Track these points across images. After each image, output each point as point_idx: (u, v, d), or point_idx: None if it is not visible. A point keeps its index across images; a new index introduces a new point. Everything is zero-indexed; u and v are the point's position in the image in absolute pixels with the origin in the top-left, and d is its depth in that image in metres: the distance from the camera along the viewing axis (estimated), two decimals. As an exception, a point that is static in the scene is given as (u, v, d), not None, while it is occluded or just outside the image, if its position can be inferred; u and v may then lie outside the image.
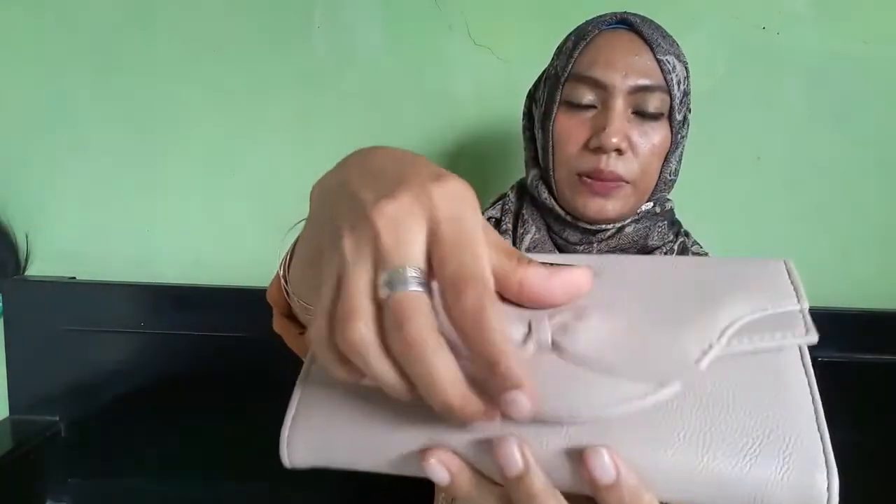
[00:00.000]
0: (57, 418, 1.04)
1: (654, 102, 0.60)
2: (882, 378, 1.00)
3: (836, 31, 1.00)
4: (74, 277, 1.05)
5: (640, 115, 0.60)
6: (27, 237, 1.06)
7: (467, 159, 1.04)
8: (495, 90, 1.02)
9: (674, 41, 0.62)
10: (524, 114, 0.73)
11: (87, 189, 1.06)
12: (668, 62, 0.60)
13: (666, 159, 0.63)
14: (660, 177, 0.64)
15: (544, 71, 0.70)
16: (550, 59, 0.69)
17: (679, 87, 0.61)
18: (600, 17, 0.64)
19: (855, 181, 1.04)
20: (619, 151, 0.59)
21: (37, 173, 1.06)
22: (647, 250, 0.67)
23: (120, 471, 1.06)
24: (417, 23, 1.01)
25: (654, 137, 0.61)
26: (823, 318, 1.09)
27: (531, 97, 0.72)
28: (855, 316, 1.01)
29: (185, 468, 1.06)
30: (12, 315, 1.02)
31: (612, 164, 0.59)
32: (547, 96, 0.65)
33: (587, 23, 0.65)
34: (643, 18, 0.62)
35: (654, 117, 0.60)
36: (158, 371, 1.03)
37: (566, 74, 0.61)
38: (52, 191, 1.06)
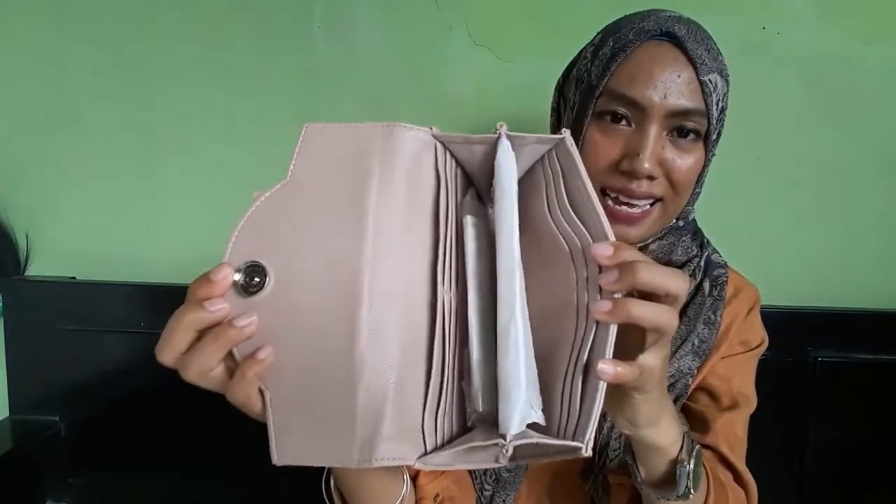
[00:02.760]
0: (57, 418, 1.04)
1: (691, 125, 0.57)
2: (882, 378, 1.00)
3: (836, 31, 1.00)
4: (74, 277, 1.05)
5: (677, 136, 0.58)
6: (27, 237, 1.06)
7: (467, 159, 1.04)
8: (495, 90, 1.02)
9: (718, 53, 0.59)
10: (553, 109, 0.69)
11: (87, 189, 1.06)
12: (711, 82, 0.56)
13: (700, 176, 0.61)
14: (690, 194, 0.62)
15: (572, 63, 0.66)
16: (580, 53, 0.65)
17: (717, 106, 0.58)
18: (641, 20, 0.58)
19: (855, 181, 1.04)
20: (651, 178, 0.57)
21: (37, 173, 1.06)
22: (671, 266, 0.64)
23: (120, 471, 1.06)
24: (417, 23, 1.01)
25: (688, 159, 0.58)
26: (823, 318, 1.10)
27: (560, 92, 0.68)
28: (855, 316, 1.01)
29: (185, 468, 1.06)
30: (12, 315, 1.02)
31: (645, 185, 0.57)
32: (579, 104, 0.61)
33: (626, 26, 0.59)
34: (689, 28, 0.57)
35: (690, 139, 0.58)
36: (158, 371, 1.02)
37: (601, 87, 0.57)
38: (52, 191, 1.06)
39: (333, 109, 1.03)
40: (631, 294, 0.37)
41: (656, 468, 0.50)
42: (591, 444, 0.34)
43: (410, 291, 0.37)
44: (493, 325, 0.38)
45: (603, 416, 0.62)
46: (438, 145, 0.40)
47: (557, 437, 0.35)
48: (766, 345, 0.70)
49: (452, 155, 0.42)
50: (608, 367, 0.36)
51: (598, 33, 0.63)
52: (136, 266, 1.07)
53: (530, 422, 0.35)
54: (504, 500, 0.65)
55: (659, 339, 0.38)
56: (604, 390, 0.35)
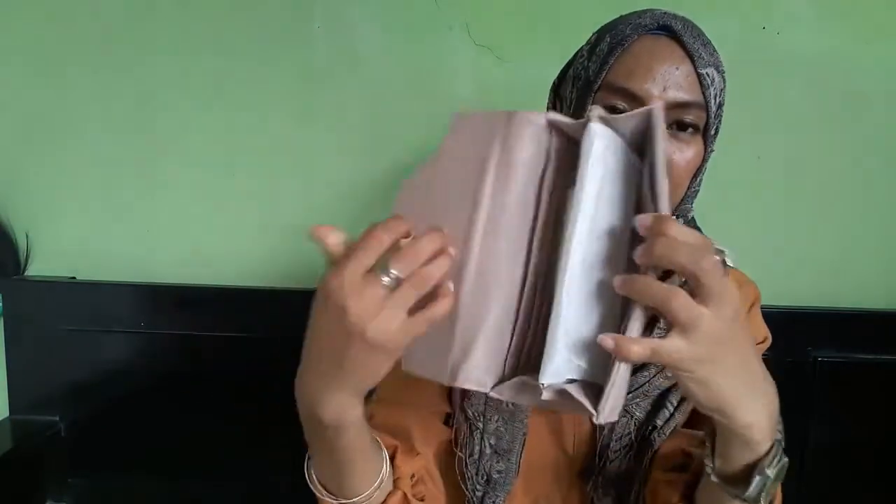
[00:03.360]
0: (57, 418, 1.04)
1: (690, 118, 0.56)
2: (882, 378, 1.00)
3: (836, 31, 1.00)
4: (74, 277, 1.05)
5: (676, 129, 0.57)
6: (27, 237, 1.06)
7: (467, 159, 1.04)
8: (495, 90, 1.02)
9: (714, 49, 0.58)
10: (548, 109, 0.68)
11: (87, 189, 1.06)
12: (709, 75, 0.56)
13: (695, 174, 0.61)
14: (687, 190, 0.61)
15: (568, 64, 0.66)
16: (576, 53, 0.65)
17: (716, 100, 0.58)
18: (638, 17, 0.58)
19: (855, 181, 1.04)
20: None
21: (37, 173, 1.06)
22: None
23: (120, 471, 1.06)
24: (417, 23, 1.01)
25: (687, 153, 0.57)
26: (823, 318, 1.09)
27: (555, 92, 0.67)
28: (855, 316, 1.01)
29: (185, 468, 1.06)
30: (12, 315, 1.02)
31: None
32: (576, 101, 0.60)
33: (623, 23, 0.59)
34: (685, 23, 0.57)
35: (689, 133, 0.57)
36: (158, 371, 1.03)
37: (599, 82, 0.57)
38: (52, 191, 1.06)
39: (334, 109, 1.03)
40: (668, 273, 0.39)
41: (734, 462, 0.48)
42: (605, 414, 0.38)
43: (510, 254, 0.43)
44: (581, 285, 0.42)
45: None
46: (553, 128, 0.44)
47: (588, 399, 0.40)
48: (769, 342, 0.69)
49: (567, 137, 0.44)
50: (607, 340, 0.38)
51: (594, 33, 0.63)
52: (136, 266, 1.07)
53: (571, 377, 0.41)
54: (494, 501, 0.64)
55: (680, 324, 0.37)
56: (620, 365, 0.38)
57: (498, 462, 0.64)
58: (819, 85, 1.01)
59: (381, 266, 0.39)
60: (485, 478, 0.64)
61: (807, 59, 1.00)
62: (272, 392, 1.02)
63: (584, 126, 0.41)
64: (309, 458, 0.54)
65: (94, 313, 1.02)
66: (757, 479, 0.47)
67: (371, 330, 0.38)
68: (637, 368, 0.61)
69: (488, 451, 0.63)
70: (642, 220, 0.39)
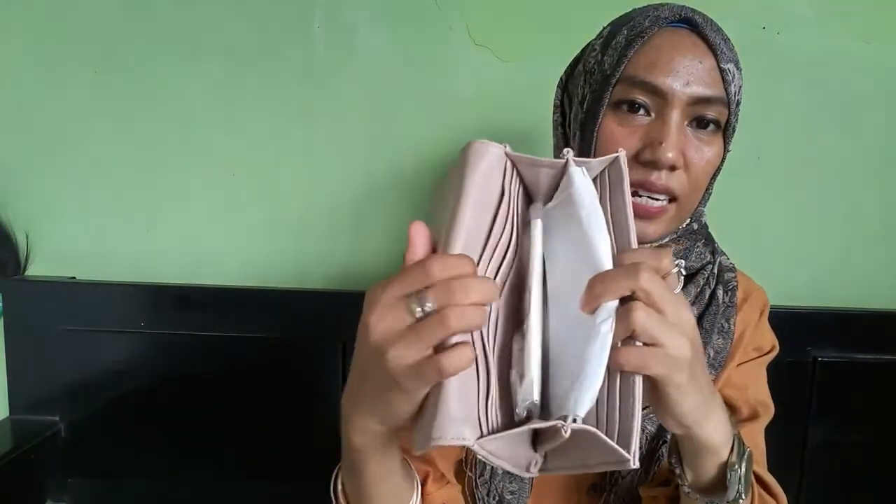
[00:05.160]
0: (57, 418, 1.04)
1: (712, 114, 0.55)
2: (882, 378, 1.00)
3: (836, 31, 1.00)
4: (74, 277, 1.05)
5: (696, 127, 0.55)
6: (27, 237, 1.06)
7: (467, 159, 1.04)
8: (495, 90, 1.02)
9: (733, 46, 0.56)
10: (556, 106, 0.67)
11: (87, 189, 1.06)
12: (730, 71, 0.54)
13: (713, 174, 0.60)
14: (703, 193, 0.60)
15: (577, 60, 0.64)
16: (585, 48, 0.63)
17: (735, 97, 0.56)
18: (655, 9, 0.56)
19: (855, 181, 1.04)
20: (673, 168, 0.54)
21: (37, 173, 1.06)
22: (686, 271, 0.63)
23: (120, 471, 1.06)
24: (417, 23, 1.01)
25: (708, 153, 0.56)
26: (823, 318, 1.09)
27: (564, 88, 0.65)
28: (855, 316, 1.01)
29: (185, 468, 1.06)
30: (12, 315, 1.02)
31: (665, 178, 0.54)
32: (591, 95, 0.57)
33: (640, 15, 0.56)
34: (704, 17, 0.55)
35: (710, 130, 0.56)
36: (158, 371, 1.03)
37: (618, 75, 0.54)
38: (52, 191, 1.06)
39: (334, 110, 1.03)
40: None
41: (705, 472, 0.48)
42: (637, 456, 0.34)
43: None
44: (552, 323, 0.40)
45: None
46: (508, 163, 0.43)
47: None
48: (776, 351, 0.68)
49: (518, 174, 0.44)
50: (620, 354, 0.36)
51: (605, 27, 0.61)
52: (136, 266, 1.07)
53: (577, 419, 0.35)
54: None
55: (652, 336, 0.37)
56: (640, 387, 0.35)
57: (511, 482, 0.62)
58: (819, 85, 1.01)
59: (418, 295, 0.35)
60: (497, 499, 0.62)
61: (807, 59, 1.00)
62: (272, 392, 1.02)
63: (565, 166, 0.42)
64: (339, 470, 0.51)
65: (94, 313, 1.02)
66: (731, 478, 0.47)
67: (389, 356, 0.35)
68: None
69: (500, 471, 0.61)
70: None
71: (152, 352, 1.02)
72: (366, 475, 0.46)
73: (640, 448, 0.61)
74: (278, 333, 1.00)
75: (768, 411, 0.65)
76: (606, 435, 0.35)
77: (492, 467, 0.61)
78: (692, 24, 0.54)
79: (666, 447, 0.61)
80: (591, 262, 0.39)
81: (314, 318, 1.00)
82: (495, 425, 0.37)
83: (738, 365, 0.64)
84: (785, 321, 0.95)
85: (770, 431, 0.65)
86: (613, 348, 0.36)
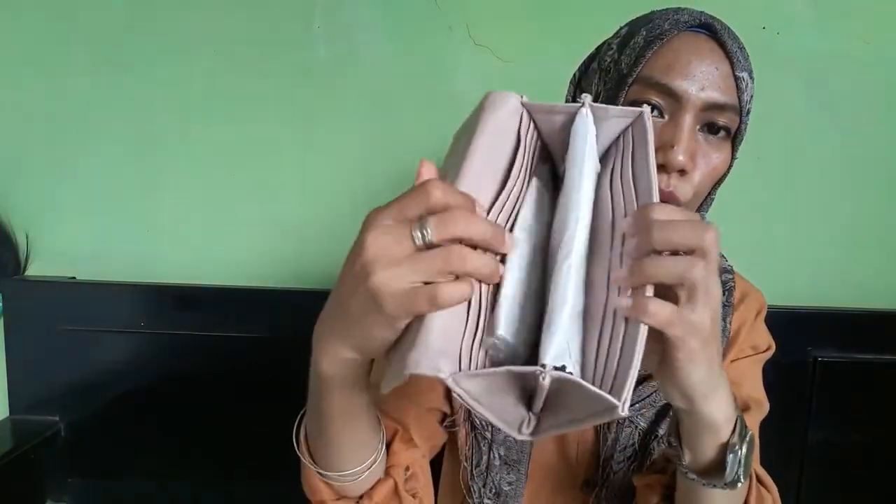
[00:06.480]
0: (57, 418, 1.04)
1: (724, 121, 0.55)
2: (882, 378, 1.00)
3: (836, 31, 1.00)
4: (74, 277, 1.05)
5: (707, 132, 0.55)
6: (27, 237, 1.06)
7: (467, 159, 1.04)
8: (495, 90, 1.02)
9: (748, 55, 0.57)
10: (567, 102, 0.66)
11: (87, 189, 1.06)
12: (744, 80, 0.55)
13: (718, 181, 0.59)
14: (706, 198, 0.60)
15: (591, 57, 0.64)
16: (601, 46, 0.63)
17: (747, 106, 0.56)
18: (676, 13, 0.56)
19: (855, 181, 1.04)
20: (683, 171, 0.54)
21: (37, 173, 1.06)
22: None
23: (120, 471, 1.06)
24: (417, 23, 1.01)
25: (715, 159, 0.56)
26: (823, 318, 1.09)
27: (577, 85, 0.65)
28: (855, 316, 1.01)
29: (185, 468, 1.06)
30: (12, 315, 1.02)
31: (673, 183, 0.54)
32: (606, 94, 0.58)
33: (659, 18, 0.57)
34: (723, 24, 0.56)
35: (721, 137, 0.56)
36: (158, 371, 1.03)
37: (635, 75, 0.54)
38: (52, 191, 1.06)
39: (334, 109, 1.03)
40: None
41: (705, 452, 0.47)
42: (627, 404, 0.32)
43: None
44: (539, 274, 0.39)
45: (608, 428, 0.62)
46: (524, 113, 0.43)
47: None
48: (773, 350, 0.69)
49: (536, 125, 0.44)
50: (622, 300, 0.36)
51: (623, 27, 0.61)
52: (136, 266, 1.07)
53: (565, 368, 0.34)
54: None
55: (693, 294, 0.37)
56: (643, 338, 0.34)
57: (508, 473, 0.62)
58: (819, 85, 1.01)
59: (420, 221, 0.34)
60: (493, 490, 0.62)
61: (807, 59, 1.00)
62: (272, 392, 1.02)
63: (577, 111, 0.42)
64: (303, 415, 0.50)
65: (94, 313, 1.02)
66: (730, 459, 0.46)
67: (378, 277, 0.34)
68: (643, 379, 0.61)
69: (497, 462, 0.61)
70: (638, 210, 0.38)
71: (152, 352, 1.02)
72: (330, 412, 0.45)
73: (633, 444, 0.61)
74: (278, 333, 1.00)
75: (761, 407, 0.65)
76: (602, 386, 0.34)
77: (488, 458, 0.61)
78: (711, 30, 0.55)
79: (657, 442, 0.61)
80: (574, 196, 0.39)
81: (314, 318, 0.99)
82: (478, 365, 0.36)
83: (732, 361, 0.65)
84: (785, 321, 0.95)
85: (770, 431, 0.65)
86: (632, 296, 0.36)
